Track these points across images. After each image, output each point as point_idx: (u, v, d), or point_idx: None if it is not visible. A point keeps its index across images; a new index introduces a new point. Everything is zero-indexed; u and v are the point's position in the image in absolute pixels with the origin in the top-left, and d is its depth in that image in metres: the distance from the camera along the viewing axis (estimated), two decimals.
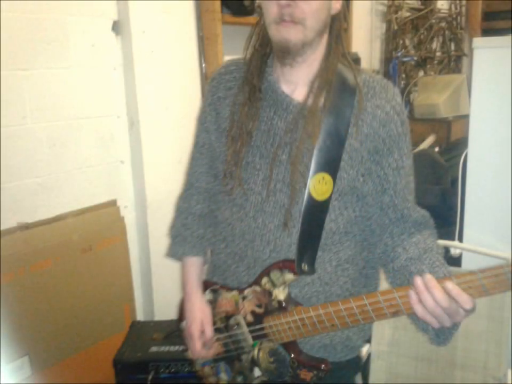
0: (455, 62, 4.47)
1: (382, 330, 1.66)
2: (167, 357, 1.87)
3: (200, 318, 1.25)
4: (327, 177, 1.09)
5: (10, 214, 1.89)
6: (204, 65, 2.37)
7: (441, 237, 1.26)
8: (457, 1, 4.43)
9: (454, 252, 2.03)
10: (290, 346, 1.15)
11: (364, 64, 3.54)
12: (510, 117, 1.82)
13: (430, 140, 3.45)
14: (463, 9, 4.50)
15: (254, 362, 1.21)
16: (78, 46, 2.04)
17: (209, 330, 1.24)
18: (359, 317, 1.03)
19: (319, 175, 1.09)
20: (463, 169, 2.00)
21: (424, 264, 1.06)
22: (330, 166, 1.09)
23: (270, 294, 1.15)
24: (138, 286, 2.37)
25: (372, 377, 1.67)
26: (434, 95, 3.67)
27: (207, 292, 1.29)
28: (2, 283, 1.79)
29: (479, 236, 1.96)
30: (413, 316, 1.03)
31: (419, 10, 4.02)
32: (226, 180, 1.18)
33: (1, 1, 1.78)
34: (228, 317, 1.23)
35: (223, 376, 1.28)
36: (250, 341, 1.20)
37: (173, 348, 1.92)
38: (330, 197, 1.11)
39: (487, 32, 4.37)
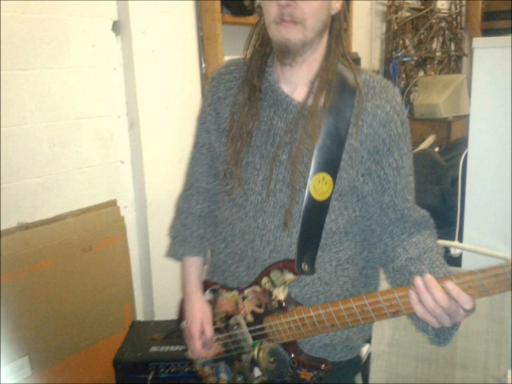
0: (455, 62, 4.47)
1: (382, 330, 1.66)
2: (167, 357, 1.87)
3: (200, 318, 1.25)
4: (327, 177, 1.09)
5: (10, 214, 1.89)
6: (204, 65, 2.37)
7: (441, 237, 1.26)
8: (457, 1, 4.43)
9: (454, 251, 2.03)
10: (290, 346, 1.16)
11: (364, 64, 3.54)
12: (510, 117, 1.82)
13: (430, 139, 3.46)
14: (463, 9, 4.50)
15: (254, 362, 1.21)
16: (78, 46, 2.04)
17: (209, 330, 1.24)
18: (359, 317, 1.03)
19: (319, 175, 1.09)
20: (463, 169, 2.00)
21: (424, 264, 1.06)
22: (330, 166, 1.09)
23: (270, 294, 1.15)
24: (138, 286, 2.37)
25: (372, 377, 1.67)
26: (434, 95, 3.67)
27: (207, 291, 1.29)
28: (2, 283, 1.79)
29: (479, 236, 1.95)
30: (413, 316, 1.03)
31: (419, 10, 4.02)
32: (226, 180, 1.18)
33: (1, 1, 1.78)
34: (228, 317, 1.23)
35: (223, 376, 1.28)
36: (250, 341, 1.20)
37: (173, 348, 1.92)
38: (330, 197, 1.11)
39: (487, 32, 4.37)
